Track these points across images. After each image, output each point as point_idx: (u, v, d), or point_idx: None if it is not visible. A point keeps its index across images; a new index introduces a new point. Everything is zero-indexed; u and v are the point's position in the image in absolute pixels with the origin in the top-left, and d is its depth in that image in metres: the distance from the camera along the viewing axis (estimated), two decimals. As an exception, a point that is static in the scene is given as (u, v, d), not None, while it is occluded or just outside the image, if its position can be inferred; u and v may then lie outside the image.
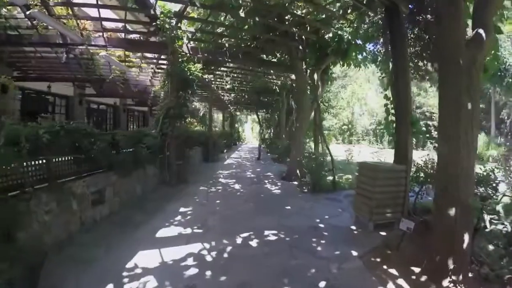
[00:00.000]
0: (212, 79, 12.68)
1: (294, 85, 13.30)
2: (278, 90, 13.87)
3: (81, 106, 15.28)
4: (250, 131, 39.43)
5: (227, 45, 8.20)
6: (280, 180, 8.78)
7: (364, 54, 9.22)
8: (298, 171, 8.65)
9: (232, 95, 17.14)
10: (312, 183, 7.41)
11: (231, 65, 10.50)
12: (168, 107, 7.59)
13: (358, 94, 30.74)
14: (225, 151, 15.96)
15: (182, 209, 5.54)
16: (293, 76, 12.68)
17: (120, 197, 5.75)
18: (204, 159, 13.48)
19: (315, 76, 8.63)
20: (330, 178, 7.96)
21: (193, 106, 21.20)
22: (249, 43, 8.05)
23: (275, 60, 9.85)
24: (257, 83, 13.16)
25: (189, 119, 24.79)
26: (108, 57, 8.98)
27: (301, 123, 8.76)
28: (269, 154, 17.58)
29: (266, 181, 8.56)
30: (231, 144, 25.08)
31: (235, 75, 12.56)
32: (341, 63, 9.70)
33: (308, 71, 8.57)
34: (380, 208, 4.65)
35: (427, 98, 28.43)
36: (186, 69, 7.62)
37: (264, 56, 9.57)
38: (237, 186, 7.82)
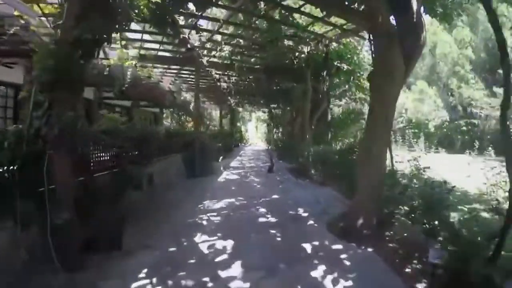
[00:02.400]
0: (197, 42, 7.84)
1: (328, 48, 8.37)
2: (303, 65, 8.91)
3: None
4: (254, 130, 34.37)
5: None
6: (336, 236, 3.84)
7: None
8: (374, 218, 3.78)
9: (233, 79, 12.26)
10: (454, 268, 2.50)
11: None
12: (45, 62, 2.73)
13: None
14: (220, 159, 11.05)
15: None
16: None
17: None
18: (188, 174, 8.64)
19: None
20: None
21: (183, 97, 16.38)
22: None
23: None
24: (271, 51, 8.28)
25: (185, 117, 20.02)
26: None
27: (385, 112, 3.83)
28: (281, 161, 12.72)
29: (306, 245, 3.63)
30: (231, 146, 20.25)
31: (234, 33, 7.67)
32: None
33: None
34: None
35: (472, 89, 23.34)
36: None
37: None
38: (235, 276, 2.93)
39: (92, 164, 3.77)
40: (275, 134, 23.38)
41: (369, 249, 3.44)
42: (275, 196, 6.30)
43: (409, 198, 3.56)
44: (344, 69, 9.27)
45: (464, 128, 24.34)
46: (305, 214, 4.91)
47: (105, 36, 2.98)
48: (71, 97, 2.85)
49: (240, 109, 24.60)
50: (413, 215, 3.47)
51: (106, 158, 4.22)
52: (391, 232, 3.79)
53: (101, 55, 8.42)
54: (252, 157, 16.47)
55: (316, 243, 3.67)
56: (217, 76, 11.37)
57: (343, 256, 3.31)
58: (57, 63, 2.70)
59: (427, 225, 3.18)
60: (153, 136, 6.27)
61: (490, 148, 16.41)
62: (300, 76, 10.00)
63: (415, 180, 4.12)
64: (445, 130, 24.88)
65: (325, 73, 9.02)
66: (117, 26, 3.21)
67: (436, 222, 3.04)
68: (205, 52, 8.67)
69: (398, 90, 3.94)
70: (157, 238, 3.71)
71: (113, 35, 3.69)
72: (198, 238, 3.80)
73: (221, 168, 10.37)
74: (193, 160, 8.73)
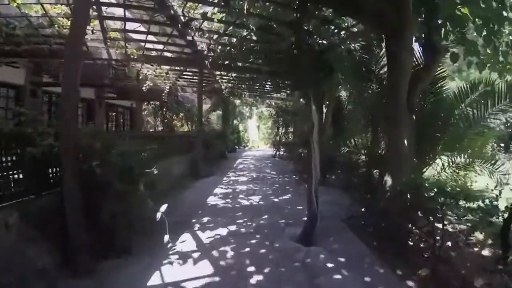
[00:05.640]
0: None
1: None
2: None
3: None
4: (256, 130, 27.72)
5: None
6: None
7: None
8: None
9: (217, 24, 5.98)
10: None
11: None
12: None
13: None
14: (164, 207, 3.60)
15: None
16: None
17: None
18: (63, 262, 2.43)
19: None
20: None
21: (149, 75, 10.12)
22: None
23: None
24: None
25: (171, 114, 13.05)
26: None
27: None
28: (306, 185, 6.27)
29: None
30: (224, 153, 14.04)
31: None
32: None
33: None
34: None
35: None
36: None
37: None
38: None
39: None
40: (284, 135, 16.85)
41: None
42: None
43: None
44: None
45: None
46: None
47: None
48: None
49: (238, 101, 18.18)
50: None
51: None
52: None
53: None
54: (254, 173, 10.10)
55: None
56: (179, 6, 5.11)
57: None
58: None
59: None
60: None
61: None
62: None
63: None
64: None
65: None
66: None
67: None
68: None
69: None
70: None
71: None
72: None
73: (165, 232, 3.82)
74: (61, 225, 2.54)
